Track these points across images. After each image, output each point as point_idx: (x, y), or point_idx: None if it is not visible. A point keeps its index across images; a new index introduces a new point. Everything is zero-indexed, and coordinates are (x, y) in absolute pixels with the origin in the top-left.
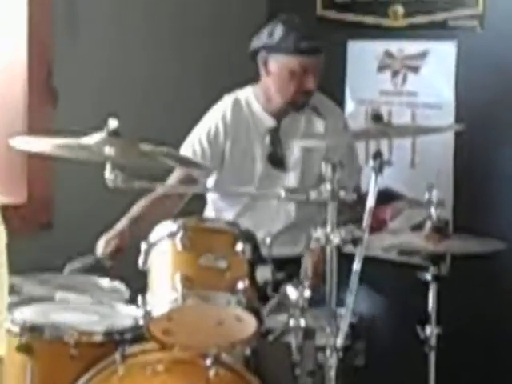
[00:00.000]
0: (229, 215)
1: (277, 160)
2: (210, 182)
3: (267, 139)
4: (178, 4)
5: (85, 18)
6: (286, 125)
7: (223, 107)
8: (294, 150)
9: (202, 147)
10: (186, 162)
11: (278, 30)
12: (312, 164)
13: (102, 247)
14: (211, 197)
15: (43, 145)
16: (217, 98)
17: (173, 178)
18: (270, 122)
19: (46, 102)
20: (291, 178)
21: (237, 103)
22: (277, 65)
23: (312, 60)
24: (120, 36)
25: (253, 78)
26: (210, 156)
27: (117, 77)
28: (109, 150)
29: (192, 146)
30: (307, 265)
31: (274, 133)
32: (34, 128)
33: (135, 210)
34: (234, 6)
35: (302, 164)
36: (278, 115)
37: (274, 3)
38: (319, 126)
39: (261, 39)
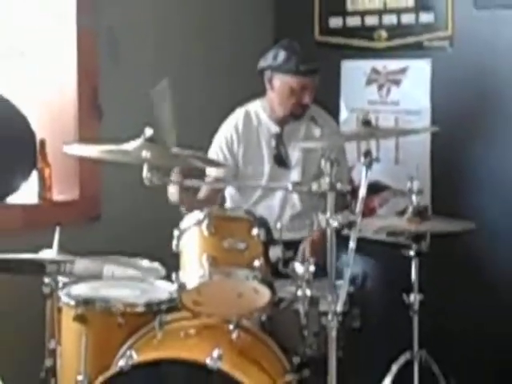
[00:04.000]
0: (244, 206)
1: (281, 160)
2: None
3: (273, 143)
4: (204, 37)
5: (125, 47)
6: (289, 131)
7: (235, 119)
8: (296, 152)
9: (223, 154)
10: (208, 161)
11: (281, 54)
12: (311, 163)
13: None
14: (229, 192)
15: (91, 150)
16: (234, 109)
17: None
18: (275, 128)
19: (93, 117)
20: (294, 175)
21: (247, 114)
22: (279, 82)
23: (309, 80)
24: (155, 61)
25: (260, 93)
26: (230, 161)
27: None
28: (145, 154)
29: (216, 153)
30: (305, 245)
31: (279, 137)
32: (84, 138)
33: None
34: (247, 33)
35: (303, 163)
36: (282, 123)
37: (278, 30)
38: (316, 132)
39: (266, 61)
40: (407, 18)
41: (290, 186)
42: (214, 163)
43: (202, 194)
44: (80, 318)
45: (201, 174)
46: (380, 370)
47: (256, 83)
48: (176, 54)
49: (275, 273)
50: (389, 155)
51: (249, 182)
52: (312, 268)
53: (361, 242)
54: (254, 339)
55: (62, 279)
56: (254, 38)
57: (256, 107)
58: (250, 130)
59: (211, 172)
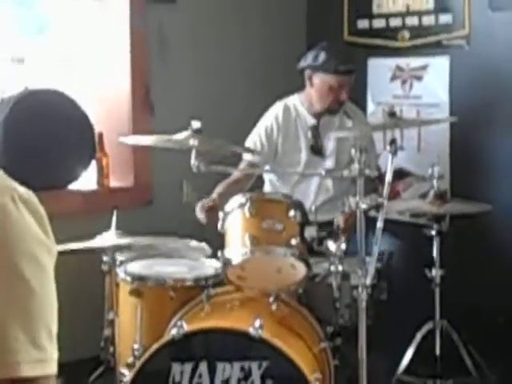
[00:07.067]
0: (282, 191)
1: (317, 150)
2: (268, 166)
3: (309, 134)
4: (243, 36)
5: (173, 48)
6: (324, 123)
7: (276, 111)
8: (330, 142)
9: (261, 142)
10: (245, 149)
11: (322, 55)
12: (344, 152)
13: (199, 208)
14: (268, 177)
15: (145, 140)
16: (271, 103)
17: (241, 165)
18: (311, 120)
19: (145, 112)
20: (328, 163)
21: (286, 107)
22: (319, 81)
23: (346, 79)
24: (200, 61)
25: (296, 89)
26: (267, 148)
27: (198, 91)
28: (192, 143)
29: (253, 141)
30: (339, 220)
31: (315, 129)
32: (137, 131)
33: (219, 188)
34: (282, 34)
35: (336, 152)
36: (318, 116)
37: (311, 31)
38: (349, 124)
39: (307, 60)
40: (428, 20)
41: (323, 172)
42: (250, 151)
43: (233, 176)
44: (135, 293)
45: (236, 160)
46: (405, 337)
47: (290, 80)
48: (220, 54)
49: (310, 251)
50: (412, 144)
51: (284, 170)
52: (343, 246)
53: (387, 223)
54: (292, 310)
55: (119, 257)
56: (289, 40)
57: (294, 101)
58: (289, 121)
59: (246, 156)
